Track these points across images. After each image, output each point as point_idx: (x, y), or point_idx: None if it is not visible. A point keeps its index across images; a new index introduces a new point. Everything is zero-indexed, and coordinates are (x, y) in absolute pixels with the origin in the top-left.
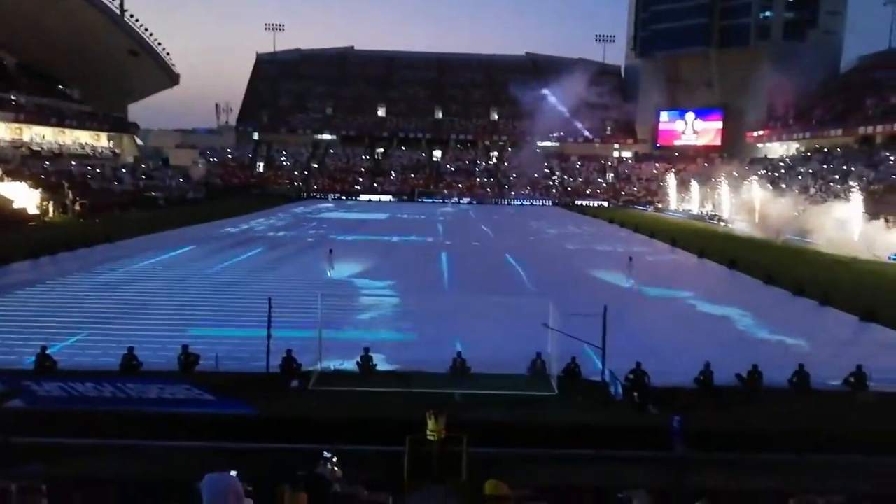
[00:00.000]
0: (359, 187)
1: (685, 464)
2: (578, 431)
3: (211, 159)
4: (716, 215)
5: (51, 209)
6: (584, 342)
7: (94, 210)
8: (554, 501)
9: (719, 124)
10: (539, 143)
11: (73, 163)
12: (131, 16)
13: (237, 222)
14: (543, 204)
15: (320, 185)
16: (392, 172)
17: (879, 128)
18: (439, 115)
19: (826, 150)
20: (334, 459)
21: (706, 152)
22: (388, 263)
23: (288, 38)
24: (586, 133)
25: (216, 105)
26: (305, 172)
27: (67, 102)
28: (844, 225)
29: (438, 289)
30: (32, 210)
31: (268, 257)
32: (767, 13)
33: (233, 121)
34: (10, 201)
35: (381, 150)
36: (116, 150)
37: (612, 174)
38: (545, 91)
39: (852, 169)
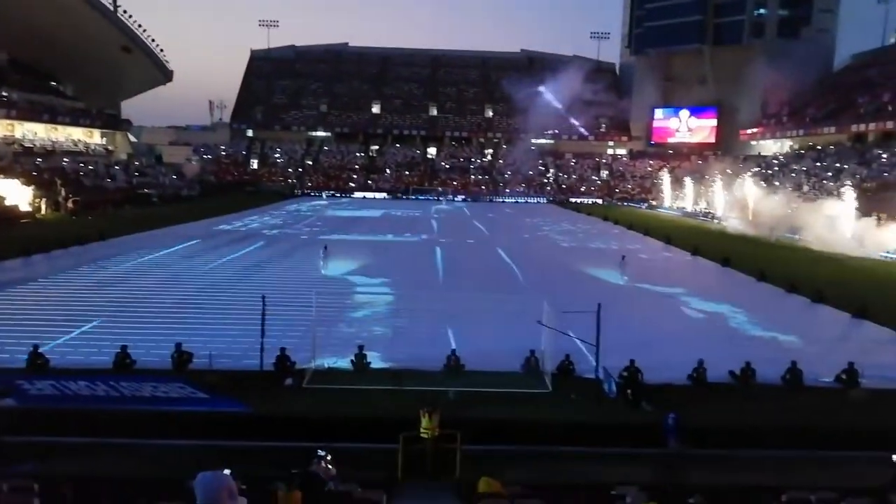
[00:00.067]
0: (353, 184)
1: (679, 460)
2: (572, 428)
3: (204, 156)
4: (709, 213)
5: (43, 206)
6: (578, 339)
7: (87, 207)
8: (547, 498)
9: (713, 122)
10: (534, 141)
11: (65, 160)
12: (124, 12)
13: (231, 220)
14: (538, 201)
15: (314, 182)
16: (386, 169)
17: (872, 126)
18: (434, 112)
19: (819, 147)
20: (328, 457)
21: (700, 150)
22: (383, 261)
23: (282, 35)
24: (581, 130)
25: (210, 102)
26: (299, 170)
27: (60, 99)
28: (836, 222)
29: (433, 286)
30: (25, 207)
31: (262, 255)
32: (761, 11)
33: (227, 118)
34: (2, 198)
35: (376, 147)
36: (109, 147)
37: (606, 171)
38: (540, 88)
39: (845, 167)
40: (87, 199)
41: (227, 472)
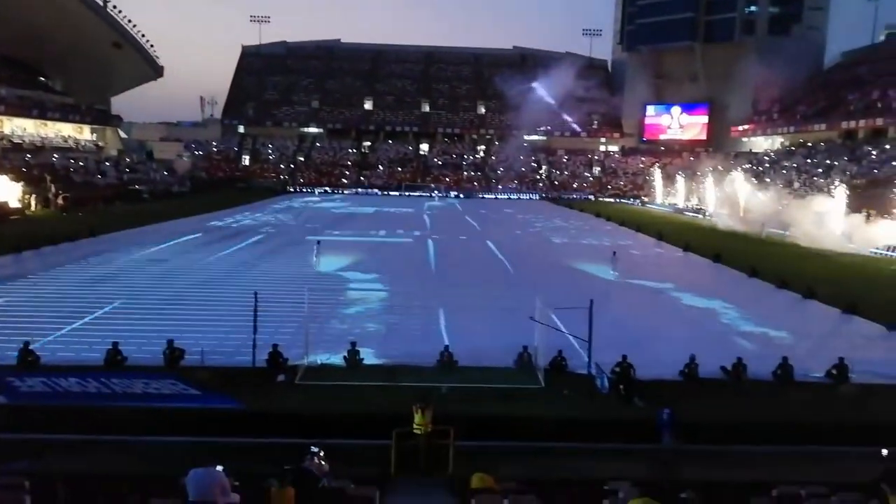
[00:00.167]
0: (345, 181)
1: (671, 455)
2: (565, 424)
3: (196, 152)
4: (700, 209)
5: (33, 203)
6: (571, 335)
7: (77, 204)
8: (540, 494)
9: (705, 118)
10: (526, 137)
11: (55, 156)
12: (114, 7)
13: (222, 216)
14: (530, 198)
15: (306, 178)
16: (379, 166)
17: (862, 122)
18: (426, 108)
19: (810, 144)
20: (321, 454)
21: (692, 146)
22: (375, 257)
23: (274, 31)
24: (573, 127)
25: (201, 98)
26: (291, 166)
27: (49, 94)
28: (826, 219)
29: (426, 283)
30: (14, 204)
31: (253, 251)
32: (752, 8)
33: (218, 114)
34: None
35: (368, 143)
36: (100, 143)
37: (598, 168)
38: (532, 85)
39: (835, 163)
40: (77, 196)
41: (219, 468)
